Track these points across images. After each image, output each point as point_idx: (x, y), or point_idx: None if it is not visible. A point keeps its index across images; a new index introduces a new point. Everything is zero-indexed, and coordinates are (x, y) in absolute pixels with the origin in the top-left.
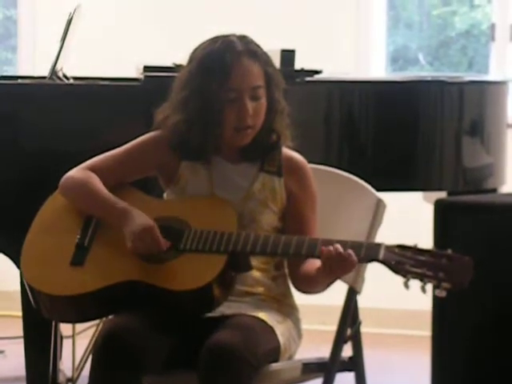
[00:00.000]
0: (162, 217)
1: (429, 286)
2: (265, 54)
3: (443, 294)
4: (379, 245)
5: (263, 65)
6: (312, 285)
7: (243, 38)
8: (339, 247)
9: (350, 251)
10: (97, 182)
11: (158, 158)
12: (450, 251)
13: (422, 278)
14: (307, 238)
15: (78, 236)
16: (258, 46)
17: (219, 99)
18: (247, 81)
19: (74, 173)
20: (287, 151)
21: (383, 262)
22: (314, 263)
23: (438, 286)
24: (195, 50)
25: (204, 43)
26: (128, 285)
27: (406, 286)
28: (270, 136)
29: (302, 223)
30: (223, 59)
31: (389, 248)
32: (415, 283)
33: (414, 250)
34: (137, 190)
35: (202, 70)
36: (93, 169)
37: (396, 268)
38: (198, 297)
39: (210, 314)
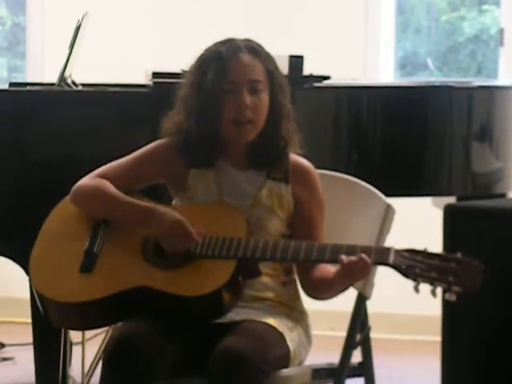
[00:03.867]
0: None
1: (439, 290)
2: (267, 54)
3: (453, 297)
4: (389, 249)
5: (265, 62)
6: (326, 290)
7: (245, 39)
8: (363, 256)
9: (365, 258)
10: (111, 186)
11: (166, 166)
12: (459, 255)
13: (433, 281)
14: (316, 244)
15: (87, 243)
16: (262, 47)
17: (216, 91)
18: (245, 73)
19: (86, 181)
20: (294, 157)
21: (393, 266)
22: (327, 268)
23: (448, 289)
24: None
25: (208, 46)
26: (137, 291)
27: (417, 290)
28: (277, 142)
29: (310, 229)
30: (221, 52)
31: (398, 252)
32: (425, 287)
33: (424, 253)
34: (146, 198)
35: (201, 66)
36: (102, 176)
37: (406, 272)
38: (207, 302)
39: (219, 320)
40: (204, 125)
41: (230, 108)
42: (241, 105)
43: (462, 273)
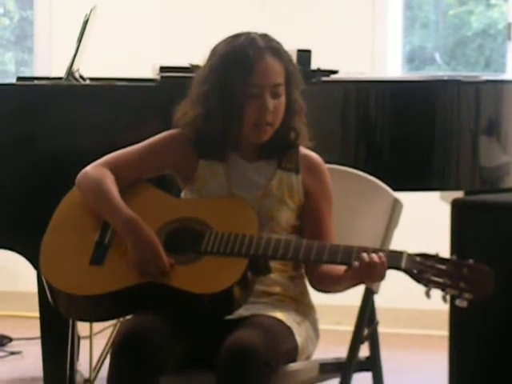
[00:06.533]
0: (183, 217)
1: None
2: (286, 52)
3: (464, 304)
4: (401, 253)
5: (285, 63)
6: (332, 285)
7: (265, 36)
8: (382, 256)
9: (383, 257)
10: (110, 183)
11: (174, 156)
12: (471, 261)
13: (444, 287)
14: (329, 244)
15: (98, 234)
16: (280, 44)
17: (241, 94)
18: (269, 78)
19: (90, 169)
20: (304, 150)
21: (405, 271)
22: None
23: (459, 296)
24: (216, 46)
25: (225, 40)
26: (147, 286)
27: (428, 295)
28: (288, 135)
29: (319, 220)
30: (246, 55)
31: (410, 256)
32: (435, 290)
33: (436, 258)
34: (156, 189)
35: (224, 65)
36: (109, 165)
37: (418, 277)
38: (218, 300)
39: (227, 316)
40: (223, 124)
41: (252, 111)
42: (263, 109)
43: (474, 279)
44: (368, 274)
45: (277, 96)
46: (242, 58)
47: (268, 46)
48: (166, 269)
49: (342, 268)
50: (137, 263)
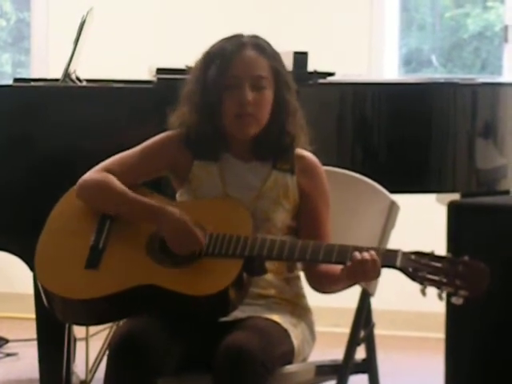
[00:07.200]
0: None
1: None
2: (275, 52)
3: (460, 301)
4: (396, 252)
5: (270, 60)
6: (330, 285)
7: (254, 36)
8: (374, 254)
9: (375, 256)
10: (117, 181)
11: (171, 156)
12: (466, 258)
13: (440, 285)
14: (324, 244)
15: (93, 238)
16: (268, 44)
17: (218, 85)
18: (248, 69)
19: (91, 174)
20: (300, 150)
21: (400, 269)
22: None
23: (455, 293)
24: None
25: (215, 42)
26: (144, 289)
27: (424, 293)
28: (283, 138)
29: (316, 221)
30: (225, 48)
31: (406, 255)
32: (431, 288)
33: (431, 256)
34: (152, 192)
35: (205, 61)
36: (108, 170)
37: (413, 275)
38: (213, 302)
39: (224, 318)
40: (207, 120)
41: (231, 103)
42: (243, 100)
43: (469, 276)
44: (362, 272)
45: (258, 89)
46: (221, 52)
47: (252, 42)
48: (199, 238)
49: (339, 268)
50: (174, 246)
